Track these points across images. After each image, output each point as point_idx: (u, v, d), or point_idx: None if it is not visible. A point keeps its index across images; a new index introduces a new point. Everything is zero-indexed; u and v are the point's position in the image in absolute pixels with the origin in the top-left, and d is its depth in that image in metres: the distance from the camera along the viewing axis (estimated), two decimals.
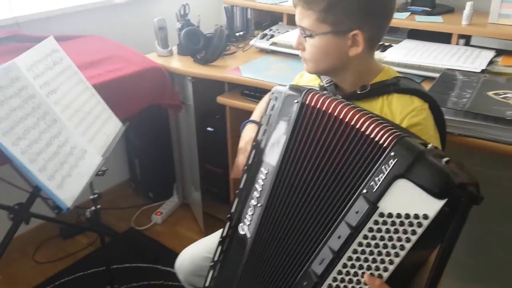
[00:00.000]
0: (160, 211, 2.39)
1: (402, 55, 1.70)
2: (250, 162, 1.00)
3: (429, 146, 0.74)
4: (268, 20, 2.29)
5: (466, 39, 1.77)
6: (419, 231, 0.69)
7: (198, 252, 1.34)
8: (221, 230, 1.07)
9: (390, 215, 0.72)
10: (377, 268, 0.75)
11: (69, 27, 2.07)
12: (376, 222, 0.73)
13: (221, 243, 1.07)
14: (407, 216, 0.70)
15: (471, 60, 1.61)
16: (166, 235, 2.27)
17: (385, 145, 0.75)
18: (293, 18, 1.06)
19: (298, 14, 1.02)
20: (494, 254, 1.56)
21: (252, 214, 0.99)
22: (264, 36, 2.09)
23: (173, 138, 2.33)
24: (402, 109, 1.01)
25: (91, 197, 1.44)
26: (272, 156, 0.95)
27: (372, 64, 1.07)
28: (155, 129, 2.37)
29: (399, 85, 1.04)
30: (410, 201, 0.69)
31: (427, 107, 1.03)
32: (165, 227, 2.34)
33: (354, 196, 0.78)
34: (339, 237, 0.78)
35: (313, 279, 0.84)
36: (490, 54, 1.66)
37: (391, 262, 0.73)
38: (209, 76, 1.88)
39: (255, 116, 1.26)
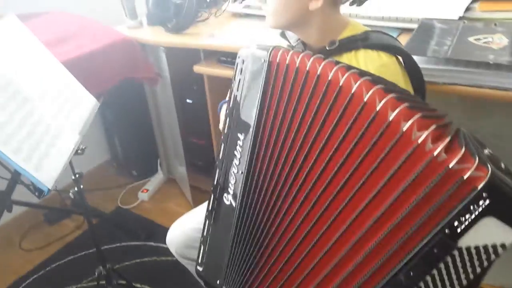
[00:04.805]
0: (146, 188, 2.36)
1: (378, 8, 1.66)
2: (225, 131, 0.97)
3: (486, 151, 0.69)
4: None
5: None
6: (493, 257, 0.68)
7: (188, 224, 1.33)
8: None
9: (468, 249, 0.69)
10: None
11: (34, 5, 1.97)
12: (452, 256, 0.70)
13: (207, 217, 1.04)
14: (485, 247, 0.68)
15: (448, 8, 1.57)
16: (155, 211, 2.25)
17: (466, 178, 0.65)
18: None
19: None
20: None
21: (235, 183, 0.96)
22: None
23: (152, 113, 2.27)
24: (368, 66, 0.98)
25: (73, 177, 1.39)
26: (247, 121, 0.91)
27: (337, 20, 1.05)
28: (132, 105, 2.31)
29: (368, 40, 1.01)
30: (491, 235, 0.67)
31: (394, 61, 1.01)
32: (152, 204, 2.32)
33: (431, 234, 0.70)
34: (410, 272, 0.73)
35: None
36: (467, 0, 1.62)
37: (460, 285, 0.72)
38: (182, 44, 1.80)
39: None
